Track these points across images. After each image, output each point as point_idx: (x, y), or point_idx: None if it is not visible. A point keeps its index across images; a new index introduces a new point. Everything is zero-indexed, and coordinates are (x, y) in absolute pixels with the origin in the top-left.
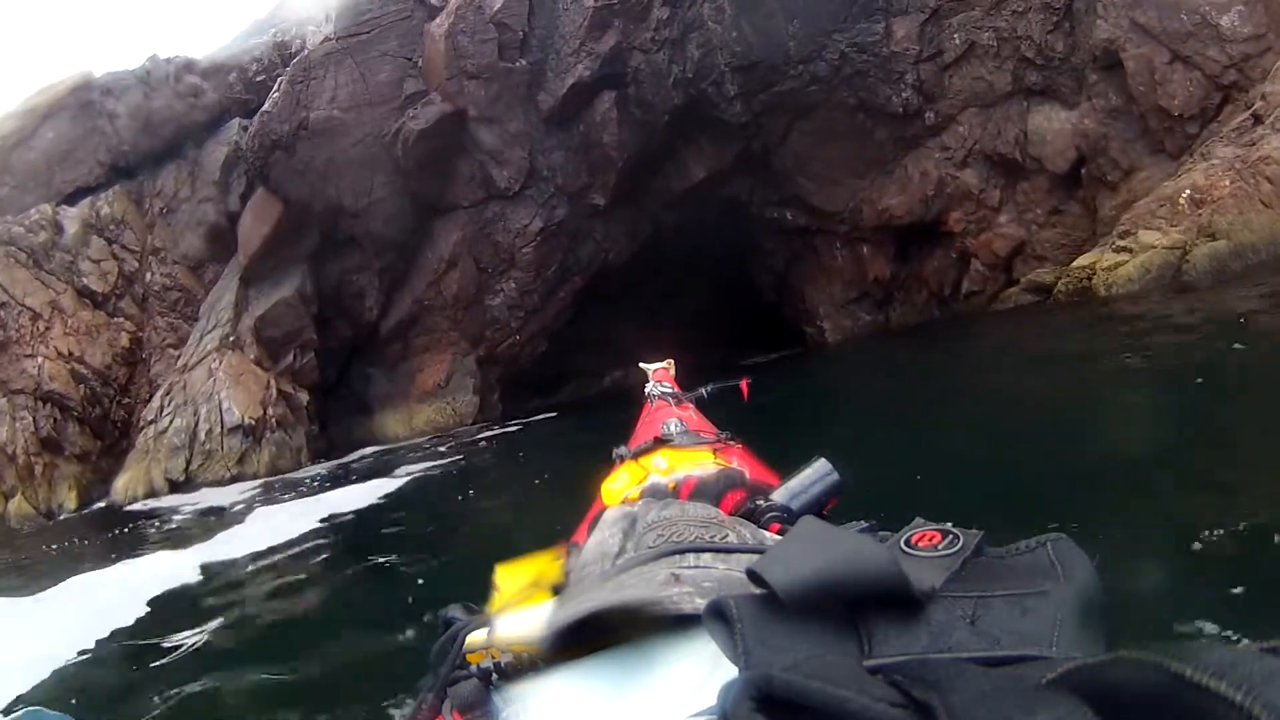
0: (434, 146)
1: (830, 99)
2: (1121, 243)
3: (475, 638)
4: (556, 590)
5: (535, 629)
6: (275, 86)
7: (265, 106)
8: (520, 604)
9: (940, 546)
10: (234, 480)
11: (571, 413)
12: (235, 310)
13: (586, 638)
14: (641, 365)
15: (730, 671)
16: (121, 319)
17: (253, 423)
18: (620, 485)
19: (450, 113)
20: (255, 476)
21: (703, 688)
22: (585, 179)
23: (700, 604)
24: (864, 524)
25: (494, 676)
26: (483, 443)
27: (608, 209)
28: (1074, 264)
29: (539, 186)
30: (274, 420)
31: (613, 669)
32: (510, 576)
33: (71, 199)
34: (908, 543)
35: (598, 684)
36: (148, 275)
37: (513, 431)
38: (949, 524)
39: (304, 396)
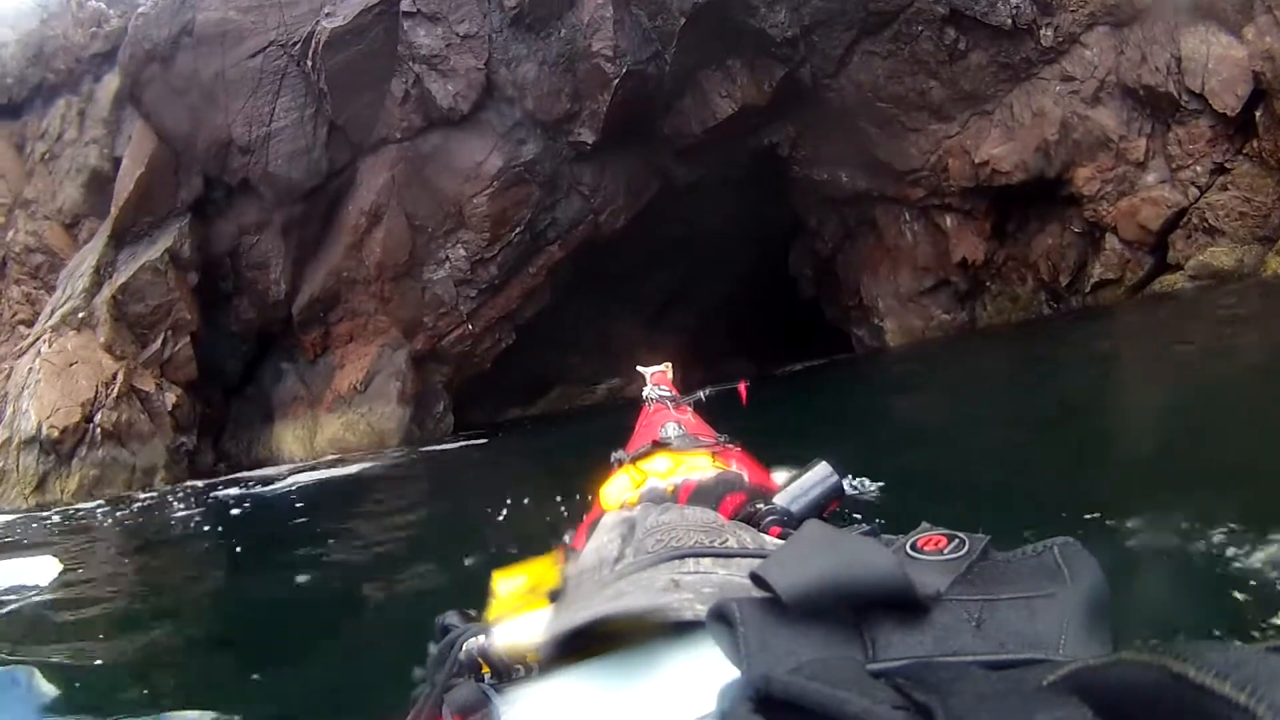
0: (355, 54)
1: (910, 6)
2: None
3: (472, 644)
4: (554, 596)
5: (535, 636)
6: None
7: (142, 7)
8: (518, 610)
9: (946, 550)
10: (37, 509)
11: (522, 433)
12: (95, 277)
13: (587, 644)
14: (639, 369)
15: (732, 676)
16: None
17: (55, 434)
18: (618, 489)
19: (376, 5)
20: (55, 505)
21: (705, 692)
22: (567, 104)
23: (701, 610)
24: (866, 527)
25: (489, 678)
26: (386, 475)
27: (599, 150)
28: None
29: (499, 110)
30: (101, 430)
31: (614, 673)
32: (507, 582)
33: None
34: (913, 546)
35: (599, 688)
36: (10, 233)
37: (441, 458)
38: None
39: (171, 397)
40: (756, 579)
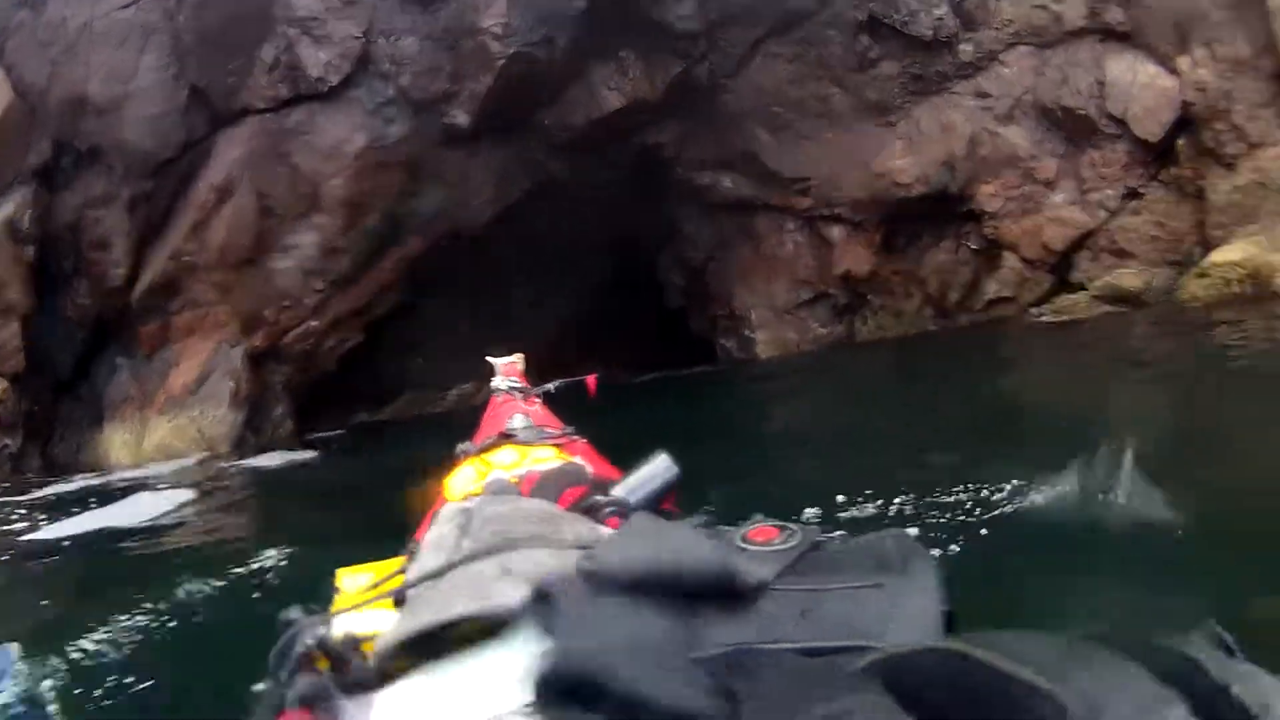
0: (226, 14)
1: (826, 10)
2: None
3: (311, 635)
4: (397, 596)
5: (373, 629)
6: None
7: None
8: (362, 605)
9: (776, 541)
10: None
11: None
12: None
13: (424, 646)
14: (489, 359)
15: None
16: None
17: None
18: (463, 481)
19: None
20: None
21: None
22: (446, 83)
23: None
24: (700, 519)
25: (329, 669)
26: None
27: (471, 138)
28: (1214, 259)
29: (371, 85)
30: None
31: (451, 668)
32: (352, 578)
33: None
34: (744, 538)
35: (442, 679)
36: None
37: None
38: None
39: None
40: (582, 570)
